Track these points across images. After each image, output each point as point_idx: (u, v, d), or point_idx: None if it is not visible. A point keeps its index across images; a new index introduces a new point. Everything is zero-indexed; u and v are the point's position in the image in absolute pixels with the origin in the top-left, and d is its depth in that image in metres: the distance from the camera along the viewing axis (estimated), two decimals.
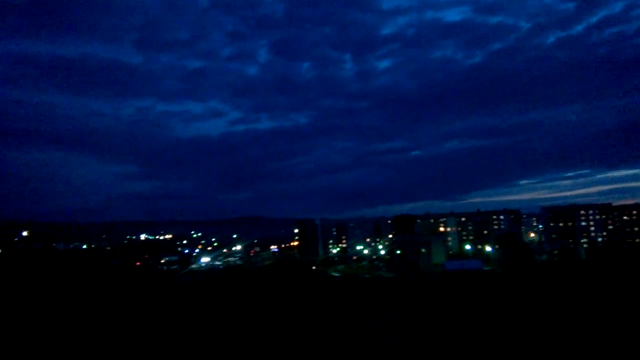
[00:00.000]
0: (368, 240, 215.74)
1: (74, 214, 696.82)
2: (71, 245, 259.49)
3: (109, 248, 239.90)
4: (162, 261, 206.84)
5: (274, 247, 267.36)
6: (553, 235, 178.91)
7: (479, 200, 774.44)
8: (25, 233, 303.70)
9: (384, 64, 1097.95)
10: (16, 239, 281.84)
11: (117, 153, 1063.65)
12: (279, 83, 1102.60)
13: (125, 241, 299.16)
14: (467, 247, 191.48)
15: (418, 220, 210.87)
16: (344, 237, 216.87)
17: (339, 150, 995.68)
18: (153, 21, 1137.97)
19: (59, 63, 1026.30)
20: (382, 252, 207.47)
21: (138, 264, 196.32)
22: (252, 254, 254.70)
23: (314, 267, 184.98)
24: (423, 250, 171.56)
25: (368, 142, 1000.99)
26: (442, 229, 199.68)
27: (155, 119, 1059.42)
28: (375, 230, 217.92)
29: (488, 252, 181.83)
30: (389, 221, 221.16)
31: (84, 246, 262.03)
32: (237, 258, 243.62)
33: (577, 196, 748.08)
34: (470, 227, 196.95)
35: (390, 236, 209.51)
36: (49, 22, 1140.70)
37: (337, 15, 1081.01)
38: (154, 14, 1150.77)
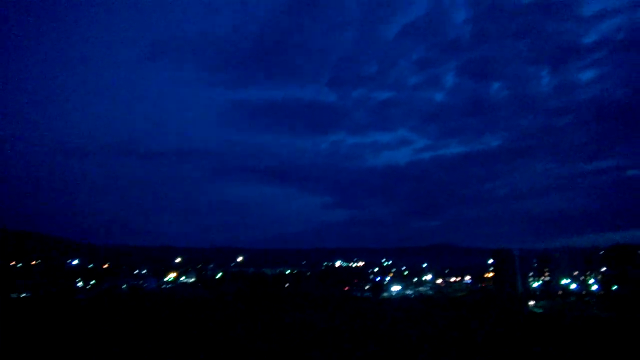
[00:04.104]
0: (576, 273, 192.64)
1: (278, 241, 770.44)
2: (277, 270, 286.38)
3: (308, 273, 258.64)
4: (366, 288, 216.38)
5: (467, 278, 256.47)
6: None
7: None
8: (240, 258, 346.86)
9: (587, 74, 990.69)
10: (232, 264, 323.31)
11: (316, 185, 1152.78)
12: (468, 106, 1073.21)
13: (323, 267, 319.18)
14: None
15: (639, 251, 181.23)
16: (546, 269, 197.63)
17: (539, 172, 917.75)
18: (345, 58, 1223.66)
19: (268, 106, 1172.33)
20: (594, 288, 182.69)
21: (346, 288, 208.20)
22: (443, 285, 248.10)
23: (512, 302, 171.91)
24: None
25: (572, 162, 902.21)
26: None
27: (348, 151, 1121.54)
28: (585, 262, 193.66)
29: None
30: (602, 252, 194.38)
31: (287, 271, 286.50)
32: (428, 288, 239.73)
33: None
34: None
35: (604, 269, 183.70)
36: (260, 70, 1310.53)
37: (531, 28, 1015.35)
38: (345, 51, 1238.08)
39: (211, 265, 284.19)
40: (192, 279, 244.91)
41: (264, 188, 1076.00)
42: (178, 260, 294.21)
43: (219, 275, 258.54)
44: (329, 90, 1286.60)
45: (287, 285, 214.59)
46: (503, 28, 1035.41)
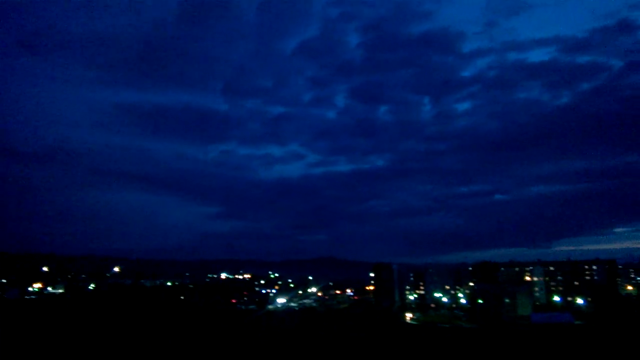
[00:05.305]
0: (447, 287, 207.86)
1: (160, 252, 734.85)
2: (157, 282, 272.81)
3: (191, 286, 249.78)
4: (256, 300, 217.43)
5: (349, 291, 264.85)
6: None
7: (568, 248, 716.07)
8: (116, 269, 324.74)
9: (464, 106, 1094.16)
10: (108, 275, 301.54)
11: (202, 194, 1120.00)
12: (357, 126, 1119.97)
13: (207, 279, 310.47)
14: (556, 298, 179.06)
15: (502, 269, 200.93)
16: (421, 283, 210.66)
17: (418, 193, 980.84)
18: (239, 69, 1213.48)
19: (154, 111, 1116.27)
20: (463, 301, 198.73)
21: (233, 301, 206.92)
22: (327, 297, 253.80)
23: (390, 314, 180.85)
24: (507, 300, 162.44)
25: (448, 185, 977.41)
26: (528, 278, 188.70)
27: (238, 161, 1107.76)
28: (455, 277, 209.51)
29: (579, 305, 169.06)
30: (470, 268, 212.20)
31: (168, 283, 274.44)
32: (312, 300, 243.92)
33: None
34: (559, 277, 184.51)
35: (472, 284, 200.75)
36: (148, 73, 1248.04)
37: (416, 59, 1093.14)
38: (240, 64, 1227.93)
39: (83, 276, 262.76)
40: (61, 290, 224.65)
41: (145, 195, 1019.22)
42: (45, 269, 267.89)
43: (92, 286, 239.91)
44: (222, 99, 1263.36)
45: (168, 298, 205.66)
46: (391, 56, 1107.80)
